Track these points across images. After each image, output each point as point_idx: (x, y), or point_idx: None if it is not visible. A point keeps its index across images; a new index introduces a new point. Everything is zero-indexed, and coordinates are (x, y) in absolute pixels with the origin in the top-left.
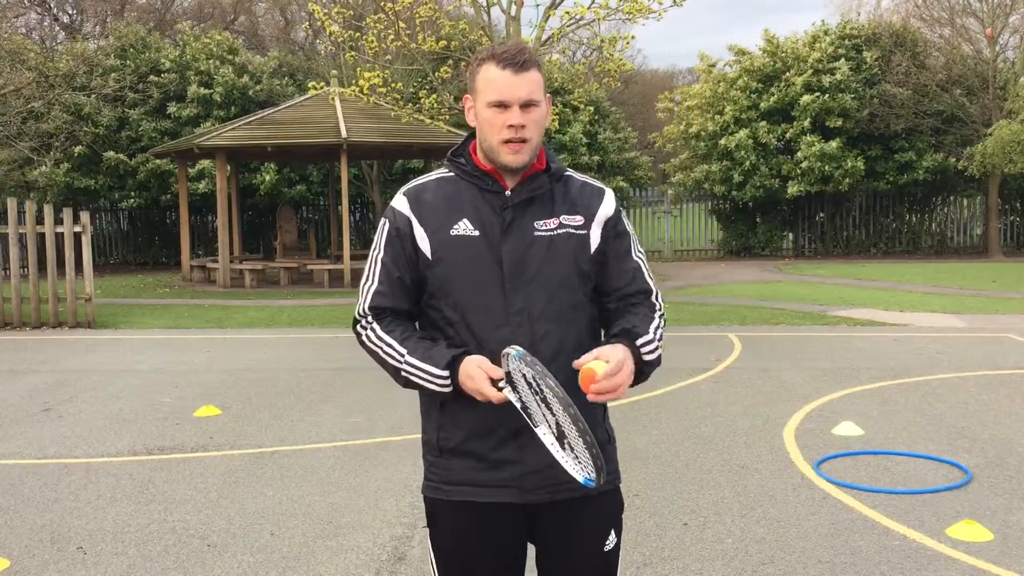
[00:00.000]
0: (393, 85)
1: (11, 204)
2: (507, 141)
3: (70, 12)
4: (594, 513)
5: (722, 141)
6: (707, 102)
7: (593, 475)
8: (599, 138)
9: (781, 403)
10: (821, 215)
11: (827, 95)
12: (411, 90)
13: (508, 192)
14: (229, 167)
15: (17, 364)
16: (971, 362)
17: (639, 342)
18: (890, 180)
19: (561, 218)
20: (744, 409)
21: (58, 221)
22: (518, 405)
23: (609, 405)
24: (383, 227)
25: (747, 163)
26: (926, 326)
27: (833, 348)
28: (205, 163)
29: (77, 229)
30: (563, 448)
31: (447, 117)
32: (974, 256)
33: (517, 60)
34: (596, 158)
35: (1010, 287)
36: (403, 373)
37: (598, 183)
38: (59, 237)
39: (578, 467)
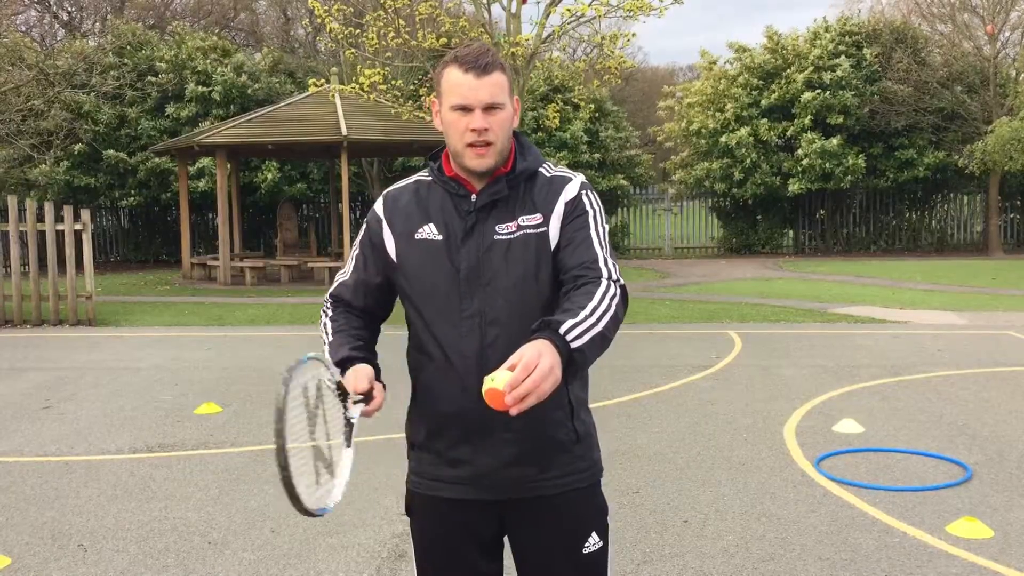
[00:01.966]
0: (393, 82)
1: (11, 202)
2: (470, 144)
3: (69, 9)
4: (567, 513)
5: (723, 139)
6: (708, 99)
7: (330, 505)
8: (600, 136)
9: (781, 400)
10: (822, 212)
11: (828, 92)
12: (411, 87)
13: (474, 197)
14: (229, 165)
15: (18, 362)
16: (971, 359)
17: (563, 329)
18: (890, 177)
19: (519, 220)
20: (744, 406)
21: (58, 219)
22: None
23: (607, 403)
24: (364, 225)
25: (748, 160)
26: (926, 323)
27: (833, 345)
28: (205, 161)
29: (78, 227)
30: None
31: None
32: (974, 253)
33: (480, 63)
34: (597, 156)
35: (1010, 284)
36: (325, 352)
37: (568, 172)
38: (60, 235)
39: (316, 492)
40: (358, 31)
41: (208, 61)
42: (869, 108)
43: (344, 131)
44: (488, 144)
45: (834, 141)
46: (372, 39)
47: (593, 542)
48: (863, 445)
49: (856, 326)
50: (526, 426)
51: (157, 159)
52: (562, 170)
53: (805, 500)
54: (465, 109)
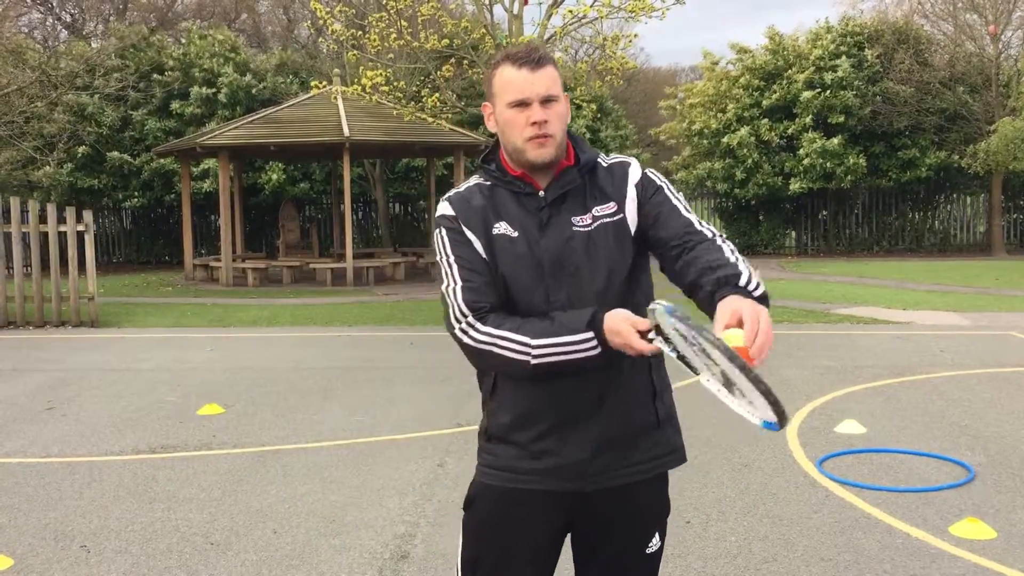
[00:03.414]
0: (396, 83)
1: (14, 203)
2: (531, 138)
3: (72, 12)
4: (638, 508)
5: (724, 139)
6: (710, 100)
7: (773, 418)
8: (601, 135)
9: (784, 401)
10: (824, 213)
11: (829, 92)
12: (414, 89)
13: (542, 192)
14: (232, 166)
15: (20, 363)
16: (974, 360)
17: (742, 282)
18: (893, 177)
19: (593, 211)
20: None
21: (61, 220)
22: (673, 356)
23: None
24: (440, 233)
25: (749, 160)
26: (929, 324)
27: (836, 346)
28: (209, 162)
29: (80, 228)
30: (732, 394)
31: (449, 116)
32: (977, 254)
33: (532, 58)
34: None
35: (1013, 285)
36: (533, 360)
37: (621, 157)
38: (62, 236)
39: (753, 412)
40: (360, 32)
41: (215, 60)
42: (871, 108)
43: (347, 132)
44: (548, 136)
45: (835, 141)
46: (374, 40)
47: (655, 543)
48: (865, 446)
49: (859, 327)
50: (613, 412)
51: (161, 160)
52: (615, 156)
53: (808, 501)
54: (523, 104)
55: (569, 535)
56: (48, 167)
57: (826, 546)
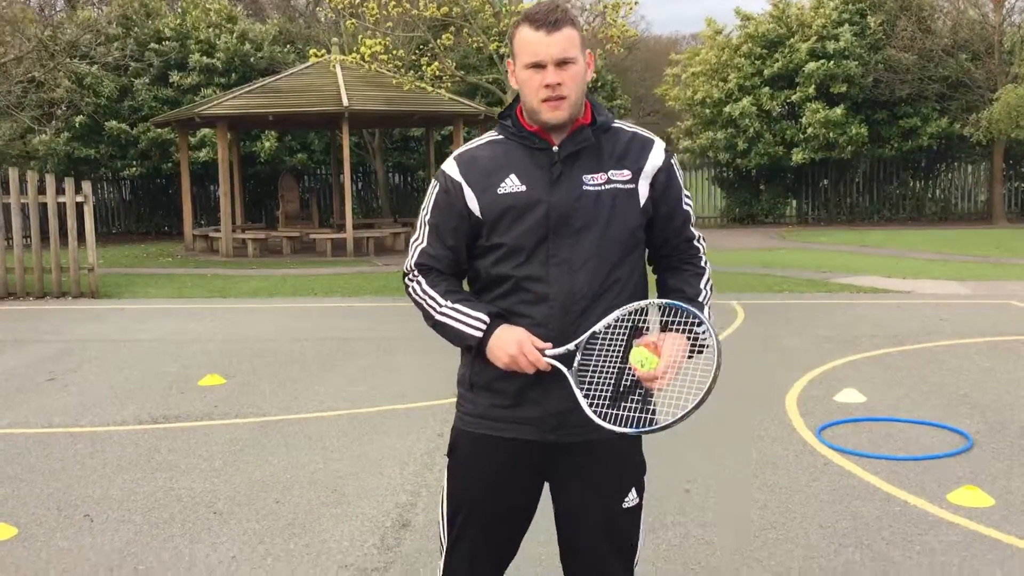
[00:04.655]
0: (394, 52)
1: (12, 174)
2: (546, 100)
3: None
4: (614, 463)
5: (726, 109)
6: (712, 68)
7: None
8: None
9: (783, 370)
10: (825, 182)
11: (831, 61)
12: (412, 57)
13: (555, 148)
14: (230, 135)
15: (22, 334)
16: (974, 328)
17: (697, 331)
18: (894, 146)
19: (609, 173)
20: (746, 376)
21: (60, 191)
22: (568, 375)
23: None
24: (433, 189)
25: (751, 130)
26: (929, 293)
27: (836, 315)
28: (206, 131)
29: (79, 199)
30: (612, 403)
31: (448, 85)
32: (978, 222)
33: (550, 19)
34: None
35: (1014, 253)
36: (437, 314)
37: (647, 134)
38: (61, 207)
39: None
40: (359, 0)
41: (211, 30)
42: (873, 77)
43: (345, 102)
44: (562, 98)
45: (838, 110)
46: (373, 8)
47: (631, 498)
48: (865, 414)
49: (859, 296)
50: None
51: (158, 130)
52: (639, 129)
53: (807, 469)
54: (538, 66)
55: (549, 490)
56: (45, 135)
57: (825, 514)
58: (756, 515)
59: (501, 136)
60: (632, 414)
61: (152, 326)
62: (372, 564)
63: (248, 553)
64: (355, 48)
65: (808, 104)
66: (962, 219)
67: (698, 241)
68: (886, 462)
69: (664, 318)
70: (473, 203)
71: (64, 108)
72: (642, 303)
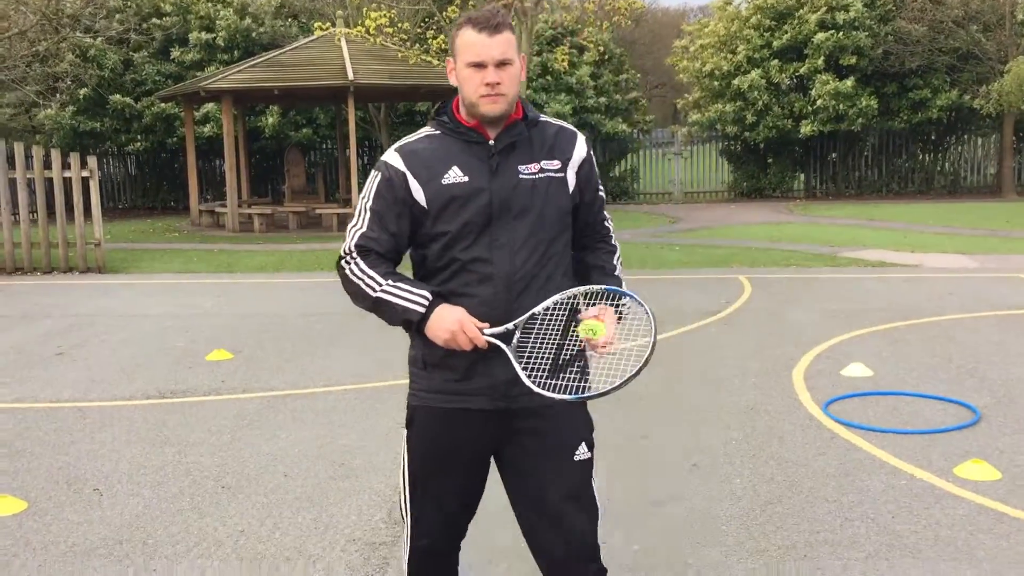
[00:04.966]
0: (400, 24)
1: (18, 149)
2: (484, 96)
3: None
4: (563, 419)
5: (735, 81)
6: (720, 40)
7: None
8: (601, 80)
9: (791, 345)
10: (833, 155)
11: (841, 33)
12: (418, 30)
13: (491, 141)
14: (235, 110)
15: (30, 309)
16: (982, 302)
17: (619, 303)
18: (904, 119)
19: (542, 163)
20: (753, 351)
21: (66, 166)
22: (508, 350)
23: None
24: (374, 178)
25: (760, 103)
26: (937, 267)
27: (843, 289)
28: (210, 106)
29: (85, 174)
30: (554, 373)
31: None
32: (987, 196)
33: (492, 23)
34: (603, 99)
35: (1023, 227)
36: (376, 292)
37: (570, 127)
38: (67, 182)
39: (558, 387)
40: None
41: (211, 6)
42: (883, 48)
43: (351, 76)
44: (500, 95)
45: (848, 83)
46: None
47: (583, 451)
48: (872, 388)
49: (867, 270)
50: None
51: (162, 104)
52: (562, 123)
53: (813, 443)
54: (479, 65)
55: (500, 466)
56: (50, 109)
57: (831, 487)
58: (763, 489)
59: (438, 131)
60: (571, 383)
61: (159, 301)
62: (380, 538)
63: (256, 527)
64: (360, 21)
65: (817, 75)
66: (972, 192)
67: (608, 222)
68: (893, 436)
69: (594, 301)
70: (418, 192)
71: (69, 82)
72: (580, 288)
